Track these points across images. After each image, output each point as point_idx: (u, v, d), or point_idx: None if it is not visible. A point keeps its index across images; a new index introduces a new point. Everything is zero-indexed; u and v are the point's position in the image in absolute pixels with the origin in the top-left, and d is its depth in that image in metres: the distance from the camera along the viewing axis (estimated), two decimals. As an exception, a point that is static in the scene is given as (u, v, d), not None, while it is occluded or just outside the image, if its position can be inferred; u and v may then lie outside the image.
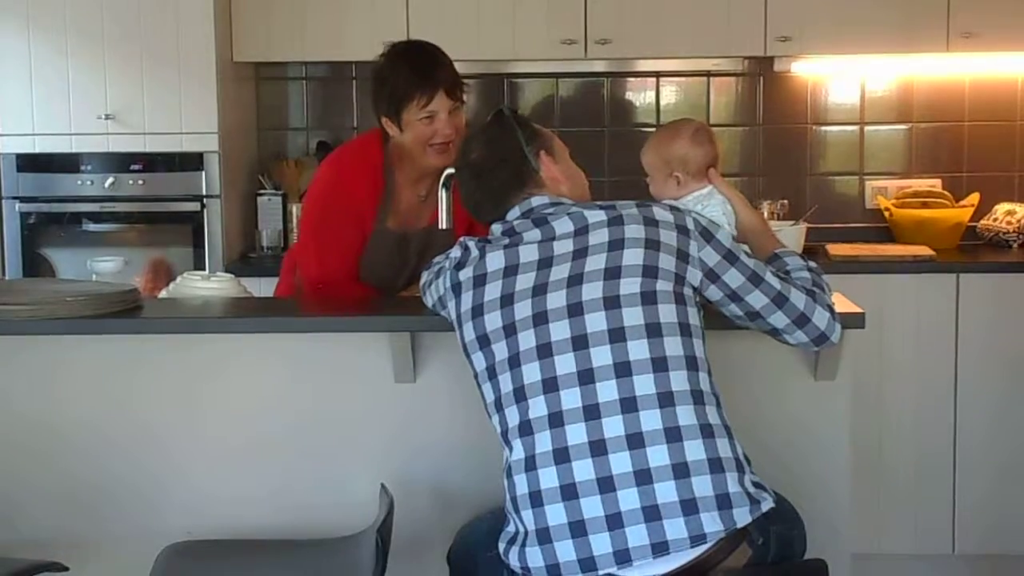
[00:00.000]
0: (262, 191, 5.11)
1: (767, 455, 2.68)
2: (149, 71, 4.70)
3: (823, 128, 5.28)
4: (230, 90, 4.88)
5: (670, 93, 5.29)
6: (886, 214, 5.09)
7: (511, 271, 2.56)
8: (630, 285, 2.46)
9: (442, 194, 3.30)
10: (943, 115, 5.22)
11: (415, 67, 3.36)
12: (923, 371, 4.63)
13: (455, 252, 2.68)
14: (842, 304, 2.82)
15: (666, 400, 2.41)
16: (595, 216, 2.56)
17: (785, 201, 5.12)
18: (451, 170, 3.12)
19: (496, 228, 2.67)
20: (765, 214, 5.05)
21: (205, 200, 4.78)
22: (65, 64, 4.69)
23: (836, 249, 4.87)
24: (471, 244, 2.65)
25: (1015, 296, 4.62)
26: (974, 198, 5.03)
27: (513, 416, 2.48)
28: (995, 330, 4.61)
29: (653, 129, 5.23)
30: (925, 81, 5.20)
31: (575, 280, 2.50)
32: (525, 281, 2.54)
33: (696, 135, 2.93)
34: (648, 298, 2.46)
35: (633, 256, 2.48)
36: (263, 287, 4.38)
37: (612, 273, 2.48)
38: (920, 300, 4.63)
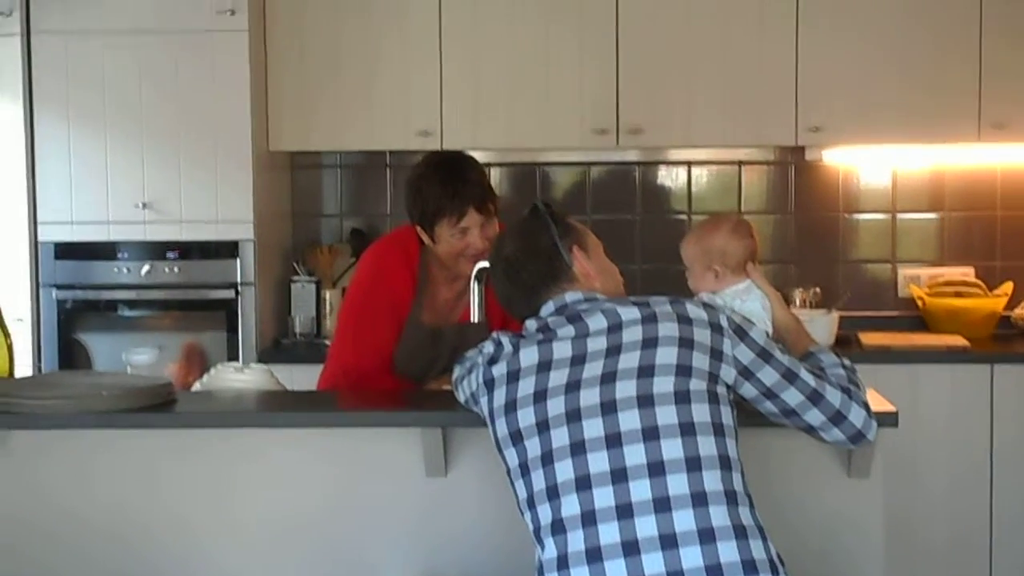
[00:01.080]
0: (296, 277, 5.15)
1: (801, 554, 2.66)
2: (186, 160, 4.77)
3: (855, 216, 5.29)
4: (265, 178, 4.94)
5: (702, 181, 5.32)
6: (919, 303, 5.08)
7: (544, 367, 2.56)
8: (664, 384, 2.46)
9: (474, 287, 3.31)
10: (975, 204, 5.22)
11: (446, 184, 3.39)
12: (958, 463, 4.60)
13: (488, 347, 2.68)
14: (875, 402, 2.80)
15: (699, 500, 2.39)
16: (629, 313, 2.56)
17: (817, 289, 5.13)
18: (484, 264, 3.15)
19: (530, 324, 2.67)
20: (797, 302, 5.06)
21: (240, 287, 4.82)
22: (103, 153, 4.77)
23: (869, 338, 4.86)
24: (504, 339, 2.65)
25: (1050, 387, 4.60)
26: (1008, 287, 5.02)
27: (546, 514, 2.47)
28: (1031, 420, 4.59)
29: (685, 217, 5.28)
30: (956, 170, 5.22)
31: (609, 378, 2.49)
32: (559, 377, 2.53)
33: (736, 229, 2.94)
34: (682, 397, 2.46)
35: (667, 355, 2.48)
36: (295, 374, 4.38)
37: (646, 372, 2.48)
38: (954, 390, 4.62)
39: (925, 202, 5.26)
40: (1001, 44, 4.79)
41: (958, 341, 4.76)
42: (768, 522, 2.50)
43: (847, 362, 2.76)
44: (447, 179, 3.41)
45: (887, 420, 2.77)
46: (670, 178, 5.34)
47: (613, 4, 4.86)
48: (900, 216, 5.27)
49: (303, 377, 4.13)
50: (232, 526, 3.00)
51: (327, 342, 4.80)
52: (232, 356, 4.82)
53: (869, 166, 5.25)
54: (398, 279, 3.51)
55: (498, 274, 2.78)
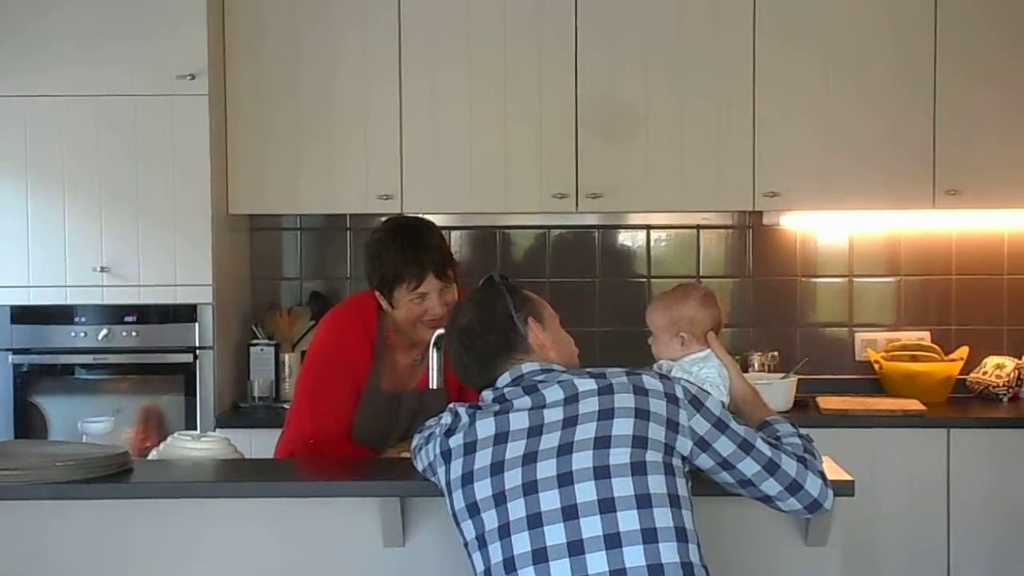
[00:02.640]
0: (255, 341, 5.13)
1: (758, 624, 2.66)
2: (144, 224, 4.75)
3: (812, 280, 5.33)
4: (224, 242, 4.93)
5: (661, 245, 5.35)
6: (876, 366, 5.11)
7: (501, 438, 2.56)
8: (620, 455, 2.47)
9: (433, 354, 3.31)
10: (931, 268, 5.28)
11: (405, 250, 3.40)
12: (916, 527, 4.62)
13: (445, 418, 2.68)
14: (832, 471, 2.81)
15: (656, 572, 2.40)
16: (585, 384, 2.57)
17: (775, 353, 5.16)
18: (443, 330, 3.15)
19: (487, 395, 2.68)
20: (756, 365, 5.09)
21: (198, 351, 4.80)
22: (61, 217, 4.75)
23: (827, 402, 4.88)
24: (461, 411, 2.65)
25: (1007, 451, 4.64)
26: (963, 351, 5.07)
27: (503, 587, 2.47)
28: (987, 485, 4.62)
29: (644, 280, 5.31)
30: (912, 235, 5.27)
31: (565, 449, 2.50)
32: (516, 449, 2.54)
33: (705, 299, 3.01)
34: (638, 468, 2.47)
35: (623, 426, 2.49)
36: (254, 439, 4.37)
37: (602, 443, 2.48)
38: (912, 455, 4.65)
39: (881, 266, 5.31)
40: (955, 113, 4.85)
41: (915, 406, 4.79)
42: (725, 593, 2.51)
43: (803, 431, 2.78)
44: (406, 244, 3.42)
45: (844, 489, 2.78)
46: (629, 242, 5.37)
47: (572, 70, 4.90)
48: (857, 280, 5.31)
49: (262, 441, 4.11)
50: (187, 597, 2.97)
51: (286, 406, 4.75)
52: (190, 420, 4.79)
53: (826, 230, 5.30)
54: (356, 345, 3.51)
55: (454, 345, 2.79)
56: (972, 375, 5.11)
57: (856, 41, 4.89)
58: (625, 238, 5.37)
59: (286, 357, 5.12)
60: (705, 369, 2.91)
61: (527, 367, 2.67)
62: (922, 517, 4.62)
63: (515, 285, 2.82)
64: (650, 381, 2.57)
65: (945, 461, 4.63)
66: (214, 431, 4.45)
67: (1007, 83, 4.87)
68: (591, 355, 2.88)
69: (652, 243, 5.36)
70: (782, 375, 4.92)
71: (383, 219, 3.65)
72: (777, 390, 4.70)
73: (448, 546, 2.81)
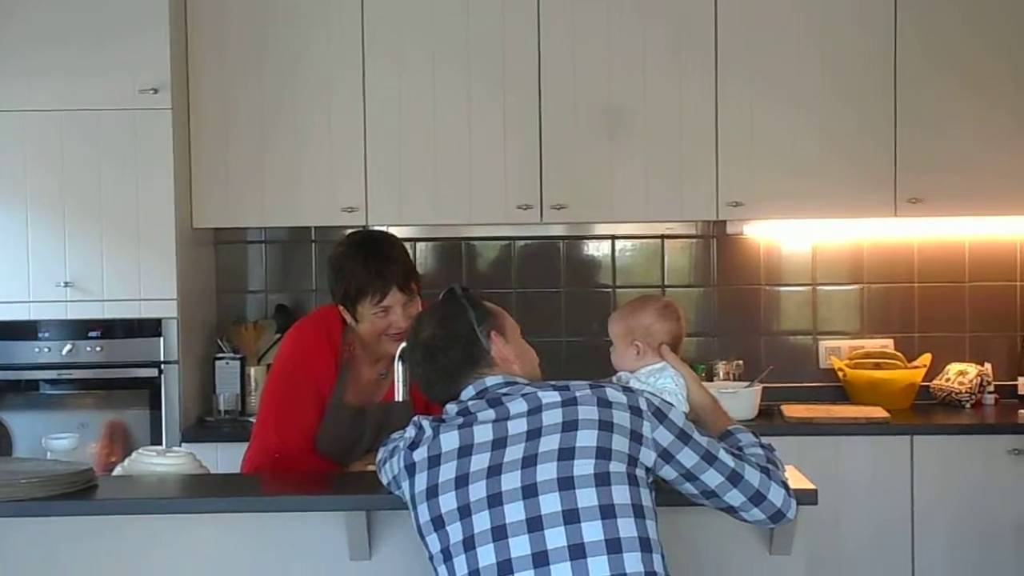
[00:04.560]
0: (220, 355, 5.12)
1: (723, 634, 2.68)
2: (108, 239, 4.73)
3: (776, 288, 5.36)
4: (189, 255, 4.92)
5: (625, 255, 5.37)
6: (840, 374, 5.14)
7: (466, 451, 2.57)
8: (584, 466, 2.48)
9: (398, 367, 3.32)
10: (893, 276, 5.31)
11: (368, 264, 3.40)
12: (879, 534, 4.65)
13: (409, 431, 2.68)
14: (796, 479, 2.83)
15: (621, 582, 2.41)
16: (549, 397, 2.58)
17: (740, 361, 5.18)
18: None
19: (451, 408, 2.68)
20: (720, 374, 5.11)
21: (163, 366, 4.78)
22: (24, 232, 4.72)
23: (791, 410, 4.91)
24: (425, 423, 2.66)
25: (970, 457, 4.67)
26: (926, 359, 5.11)
27: (468, 599, 2.48)
28: (951, 492, 4.65)
29: (609, 290, 5.32)
30: (875, 243, 5.31)
31: (530, 461, 2.51)
32: (480, 462, 2.54)
33: (664, 310, 3.01)
34: (602, 479, 2.48)
35: (587, 438, 2.50)
36: (220, 452, 4.37)
37: (566, 454, 2.50)
38: (875, 462, 4.68)
39: (845, 275, 5.34)
40: (915, 122, 4.89)
41: (879, 413, 4.82)
42: (690, 603, 2.52)
43: (765, 442, 2.80)
44: (369, 258, 3.42)
45: (807, 498, 2.80)
46: (594, 252, 5.39)
47: (536, 80, 4.91)
48: (820, 288, 5.35)
49: (228, 455, 4.11)
50: (153, 613, 2.97)
51: (252, 419, 4.75)
52: (156, 434, 4.78)
53: (789, 239, 5.33)
54: (320, 359, 3.51)
55: (416, 358, 2.79)
56: (935, 382, 5.14)
57: (817, 50, 4.92)
58: (590, 248, 5.39)
59: (252, 370, 5.11)
60: (661, 379, 2.92)
61: (491, 380, 2.68)
62: (886, 524, 4.64)
63: (477, 297, 2.83)
64: (613, 394, 2.58)
65: (909, 468, 4.66)
66: (180, 446, 4.46)
67: (969, 91, 4.90)
68: (557, 365, 2.89)
69: (617, 253, 5.38)
70: (747, 384, 4.95)
71: (347, 232, 3.65)
72: (742, 398, 4.72)
73: (414, 559, 2.81)
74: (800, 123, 4.93)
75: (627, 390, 2.62)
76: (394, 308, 3.39)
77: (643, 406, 2.58)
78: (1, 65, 4.71)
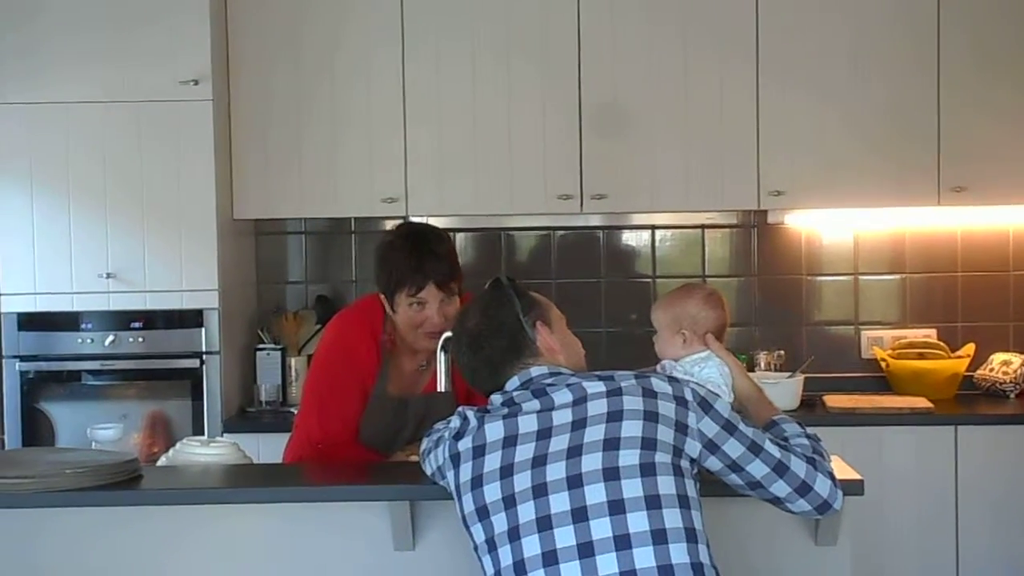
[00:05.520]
0: (261, 345, 5.13)
1: (769, 625, 2.66)
2: (150, 230, 4.75)
3: (818, 278, 5.32)
4: (230, 246, 4.93)
5: (665, 245, 5.35)
6: (882, 364, 5.11)
7: (510, 441, 2.56)
8: (629, 457, 2.47)
9: (440, 357, 3.32)
10: (936, 266, 5.27)
11: (411, 255, 3.41)
12: (924, 525, 4.62)
13: (454, 422, 2.68)
14: (841, 470, 2.81)
15: (666, 572, 2.40)
16: (594, 387, 2.57)
17: (782, 352, 5.15)
18: (450, 334, 3.16)
19: (496, 398, 2.68)
20: (762, 365, 5.09)
21: (204, 356, 4.80)
22: (67, 224, 4.75)
23: (833, 401, 4.88)
24: (470, 414, 2.65)
25: (1015, 447, 4.64)
26: (969, 348, 5.07)
27: (513, 590, 2.47)
28: (995, 482, 4.62)
29: (649, 280, 5.30)
30: (917, 232, 5.26)
31: (575, 451, 2.50)
32: (524, 452, 2.54)
33: (709, 298, 3.00)
34: (647, 470, 2.47)
35: (632, 428, 2.49)
36: (262, 443, 4.38)
37: (611, 444, 2.48)
38: (919, 453, 4.65)
39: (887, 264, 5.30)
40: (959, 110, 4.85)
41: (922, 403, 4.79)
42: (736, 593, 2.51)
43: (811, 432, 2.78)
44: (413, 250, 3.42)
45: (853, 488, 2.78)
46: (634, 242, 5.37)
47: (576, 71, 4.90)
48: (862, 278, 5.31)
49: (270, 446, 4.12)
50: (198, 603, 2.98)
51: (293, 410, 4.77)
52: (197, 425, 4.80)
53: (831, 229, 5.30)
54: (363, 349, 3.51)
55: (462, 348, 2.79)
56: (979, 372, 5.11)
57: (860, 38, 4.89)
58: (630, 238, 5.37)
59: (292, 361, 5.12)
60: (706, 369, 2.90)
61: (535, 371, 2.67)
62: (930, 514, 4.61)
63: (522, 288, 2.82)
64: (659, 383, 2.57)
65: (953, 458, 4.63)
66: (221, 436, 4.46)
67: (1014, 78, 4.86)
68: (596, 355, 2.89)
69: (657, 243, 5.35)
70: (788, 374, 4.92)
71: (396, 223, 3.65)
72: (784, 389, 4.69)
73: (458, 549, 2.82)
74: (842, 111, 4.89)
75: (672, 380, 2.61)
76: (430, 304, 3.38)
77: (689, 396, 2.56)
78: (43, 59, 4.73)
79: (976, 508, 4.62)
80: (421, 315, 3.39)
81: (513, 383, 2.67)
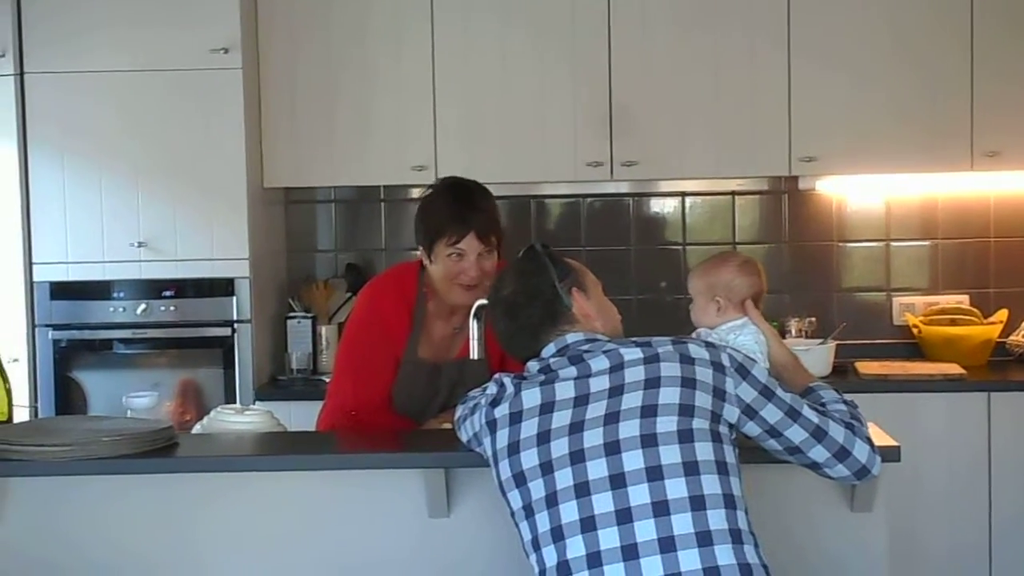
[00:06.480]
0: (292, 314, 5.14)
1: (806, 591, 2.66)
2: (181, 198, 4.76)
3: (849, 245, 5.30)
4: (260, 215, 4.94)
5: (695, 212, 5.33)
6: (914, 331, 5.09)
7: (547, 408, 2.56)
8: (667, 423, 2.46)
9: (474, 325, 3.31)
10: (968, 231, 5.24)
11: (453, 205, 3.42)
12: (956, 491, 4.62)
13: (491, 388, 2.68)
14: (877, 436, 2.80)
15: (704, 540, 2.39)
16: (631, 354, 2.56)
17: (813, 318, 5.13)
18: (483, 301, 3.16)
19: (532, 365, 2.67)
20: (793, 332, 5.07)
21: (236, 325, 4.81)
22: (98, 193, 4.76)
23: (866, 367, 4.87)
24: (507, 380, 2.65)
25: (1047, 413, 4.62)
26: (1002, 314, 5.04)
27: (551, 556, 2.47)
28: (1029, 449, 4.60)
29: (679, 248, 5.29)
30: (949, 197, 5.23)
31: (612, 418, 2.49)
32: (561, 418, 2.54)
33: (744, 266, 2.99)
34: (685, 436, 2.46)
35: (670, 395, 2.49)
36: (293, 411, 4.38)
37: (648, 411, 2.48)
38: (952, 419, 4.63)
39: (918, 230, 5.27)
40: (993, 73, 4.80)
41: (954, 369, 4.77)
42: (772, 559, 2.50)
43: (848, 398, 2.77)
44: (455, 200, 3.44)
45: (890, 455, 2.77)
46: (664, 209, 5.35)
47: (606, 37, 4.88)
48: (894, 244, 5.28)
49: (301, 414, 4.14)
50: (234, 570, 2.99)
51: (324, 378, 4.79)
52: (229, 393, 4.81)
53: (862, 194, 5.26)
54: (392, 314, 3.51)
55: (498, 316, 2.79)
56: (1012, 338, 5.08)
57: (893, 3, 4.84)
58: (659, 206, 5.35)
59: (323, 329, 5.13)
60: (742, 336, 2.90)
61: (571, 337, 2.67)
62: (963, 481, 4.60)
63: (557, 254, 2.82)
64: (696, 349, 2.57)
65: (986, 424, 4.61)
66: (254, 404, 4.48)
67: (1049, 43, 4.82)
68: (627, 323, 2.87)
69: (687, 210, 5.33)
70: (820, 341, 4.91)
71: (421, 187, 3.65)
72: (815, 356, 4.68)
73: (494, 516, 2.82)
74: (874, 74, 4.85)
75: (710, 346, 2.60)
76: (468, 255, 3.38)
77: (726, 362, 2.55)
78: (74, 28, 4.74)
79: (1009, 474, 4.60)
80: (458, 266, 3.39)
81: (549, 350, 2.67)
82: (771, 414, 2.57)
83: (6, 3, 4.71)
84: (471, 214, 3.40)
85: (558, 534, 2.46)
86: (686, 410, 2.48)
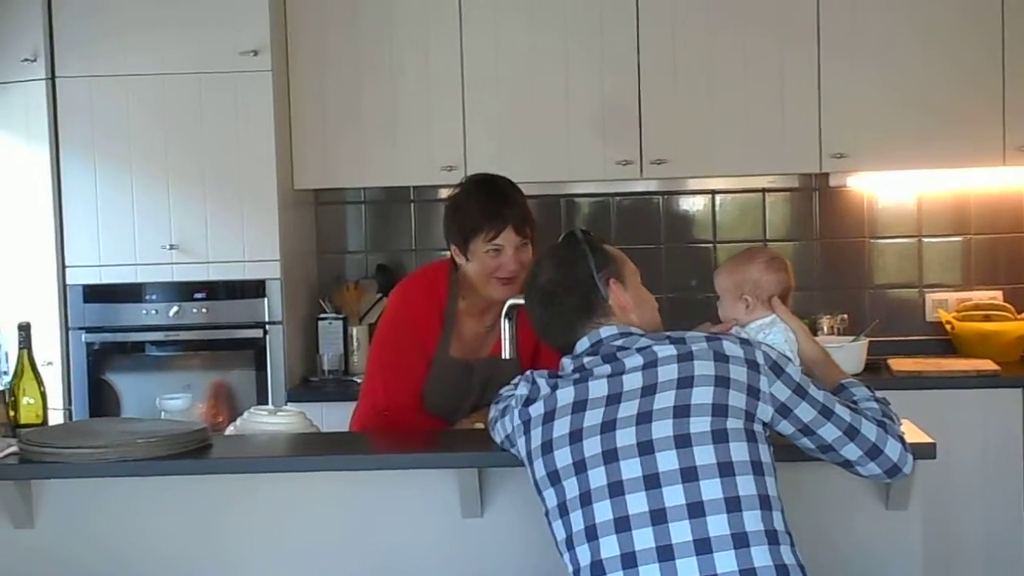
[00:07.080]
0: (323, 315, 5.15)
1: (841, 589, 2.65)
2: (212, 201, 4.78)
3: (880, 241, 5.27)
4: (291, 217, 4.95)
5: (725, 209, 5.31)
6: (947, 327, 5.06)
7: (580, 406, 2.55)
8: (700, 424, 2.45)
9: (505, 324, 3.30)
10: (1001, 227, 5.21)
11: (487, 201, 3.41)
12: (991, 488, 4.59)
13: (522, 389, 2.66)
14: (912, 433, 2.79)
15: (741, 541, 2.39)
16: (665, 351, 2.55)
17: (845, 315, 5.11)
18: (514, 301, 3.16)
19: (566, 363, 2.66)
20: (825, 329, 5.04)
21: (267, 326, 4.83)
22: (130, 195, 4.79)
23: (899, 364, 4.84)
24: (540, 380, 2.64)
25: (1083, 410, 4.58)
26: (1036, 310, 5.01)
27: (585, 555, 2.46)
28: (1063, 445, 4.57)
29: (709, 245, 5.28)
30: (981, 193, 5.20)
31: (644, 418, 2.48)
32: (593, 417, 2.53)
33: (771, 262, 2.96)
34: (719, 436, 2.45)
35: (703, 395, 2.48)
36: (325, 412, 4.40)
37: (682, 411, 2.47)
38: (986, 415, 4.61)
39: (950, 226, 5.24)
40: (1025, 68, 4.78)
41: (988, 366, 4.74)
42: (807, 558, 2.49)
43: (880, 395, 2.75)
44: (488, 197, 3.44)
45: (925, 452, 2.76)
46: (693, 207, 5.34)
47: (634, 35, 4.87)
48: (926, 240, 5.25)
49: (333, 415, 4.16)
50: (267, 571, 3.00)
51: (356, 379, 4.81)
52: (261, 395, 4.83)
53: (893, 191, 5.24)
54: (423, 314, 3.50)
55: (533, 304, 2.77)
56: (1045, 334, 5.05)
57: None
58: (689, 204, 5.34)
59: (354, 330, 5.14)
60: (771, 334, 2.87)
61: (605, 331, 2.65)
62: (998, 477, 4.58)
63: (597, 242, 2.79)
64: (730, 347, 2.55)
65: (1020, 420, 4.58)
66: (286, 405, 4.49)
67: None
68: (658, 323, 2.87)
69: (717, 208, 5.32)
70: (852, 338, 4.88)
71: (450, 186, 3.64)
72: (848, 353, 4.65)
73: (526, 516, 2.82)
74: (904, 70, 4.83)
75: (744, 343, 2.58)
76: (506, 249, 3.37)
77: (760, 360, 2.54)
78: (103, 33, 4.77)
79: (1044, 471, 4.58)
80: (496, 261, 3.37)
81: (583, 344, 2.65)
82: (805, 413, 2.56)
83: (37, 8, 4.74)
84: (506, 208, 3.39)
85: (592, 533, 2.46)
86: (720, 410, 2.47)
